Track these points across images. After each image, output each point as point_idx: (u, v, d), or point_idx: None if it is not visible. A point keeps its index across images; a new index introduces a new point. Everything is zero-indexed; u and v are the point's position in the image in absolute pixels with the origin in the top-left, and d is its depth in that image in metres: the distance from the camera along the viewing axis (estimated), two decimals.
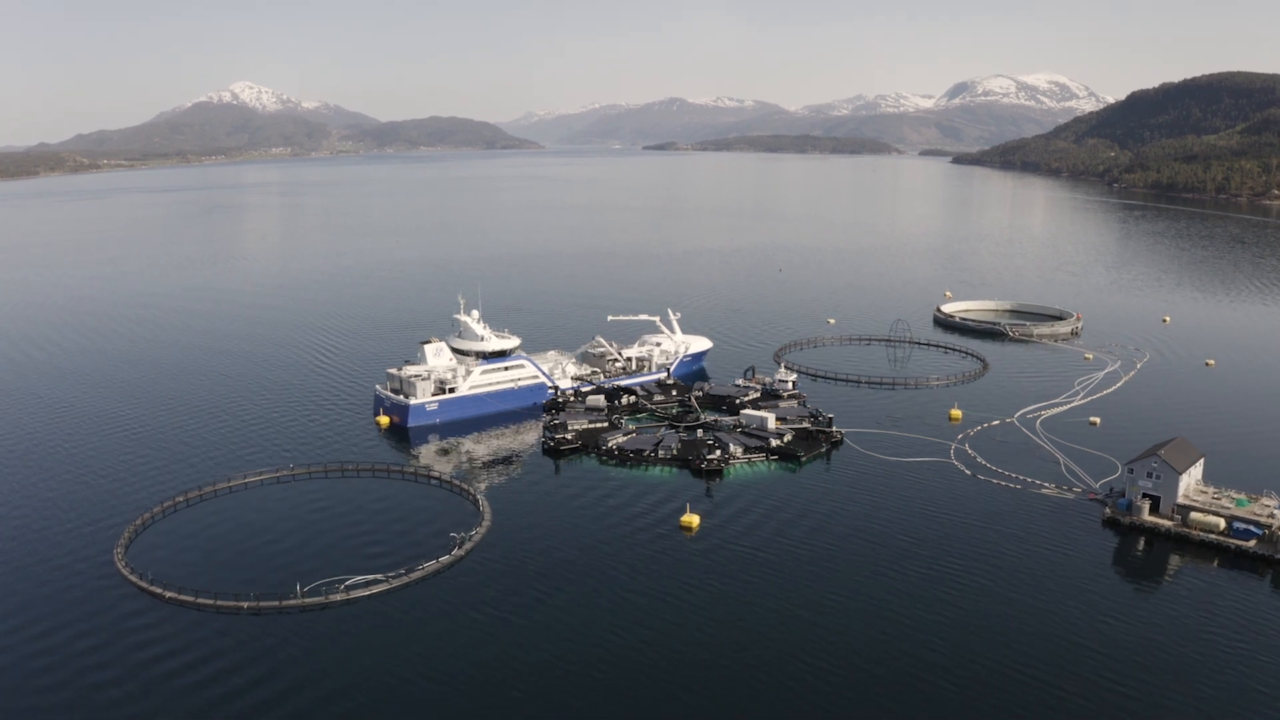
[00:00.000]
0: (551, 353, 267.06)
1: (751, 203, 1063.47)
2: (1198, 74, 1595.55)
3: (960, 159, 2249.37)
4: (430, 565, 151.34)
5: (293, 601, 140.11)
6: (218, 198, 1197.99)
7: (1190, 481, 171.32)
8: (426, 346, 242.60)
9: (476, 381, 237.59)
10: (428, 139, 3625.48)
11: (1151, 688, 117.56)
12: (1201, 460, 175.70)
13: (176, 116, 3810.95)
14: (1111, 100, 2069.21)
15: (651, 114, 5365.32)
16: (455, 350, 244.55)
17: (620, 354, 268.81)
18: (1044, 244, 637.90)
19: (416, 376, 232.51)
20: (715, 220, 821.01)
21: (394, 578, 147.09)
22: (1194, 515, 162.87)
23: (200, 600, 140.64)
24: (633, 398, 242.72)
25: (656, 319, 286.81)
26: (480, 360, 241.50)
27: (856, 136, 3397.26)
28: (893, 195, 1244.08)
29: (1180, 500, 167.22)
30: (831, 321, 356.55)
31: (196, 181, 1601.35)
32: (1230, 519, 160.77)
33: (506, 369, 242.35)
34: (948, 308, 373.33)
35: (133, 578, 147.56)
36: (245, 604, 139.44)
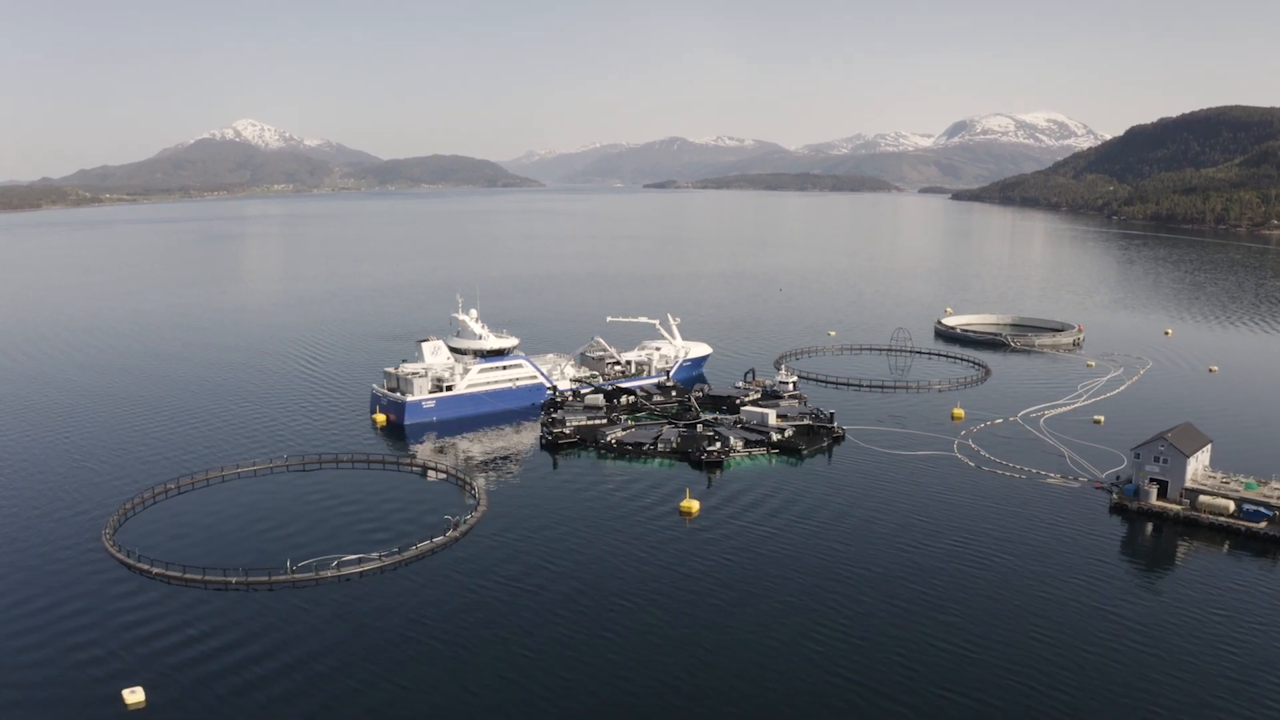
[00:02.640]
0: (550, 355, 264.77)
1: (752, 233, 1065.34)
2: (1195, 109, 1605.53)
3: (960, 195, 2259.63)
4: (424, 545, 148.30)
5: (282, 577, 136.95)
6: (220, 228, 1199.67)
7: (1198, 466, 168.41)
8: (424, 345, 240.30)
9: (474, 380, 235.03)
10: (429, 177, 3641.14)
11: (1165, 669, 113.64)
12: (1209, 446, 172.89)
13: (179, 153, 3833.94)
14: (1109, 138, 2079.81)
15: (652, 153, 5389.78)
16: (453, 350, 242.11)
17: (619, 357, 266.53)
18: (1045, 267, 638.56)
19: (414, 374, 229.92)
20: (717, 248, 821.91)
21: (386, 556, 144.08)
22: (1203, 498, 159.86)
23: (188, 575, 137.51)
24: (632, 398, 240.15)
25: (656, 322, 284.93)
26: (478, 359, 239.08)
27: (856, 175, 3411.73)
28: (893, 227, 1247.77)
29: (1188, 485, 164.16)
30: (832, 334, 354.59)
31: (199, 214, 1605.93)
32: (1240, 501, 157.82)
33: (505, 368, 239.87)
34: (949, 321, 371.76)
35: (119, 555, 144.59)
36: (234, 579, 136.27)
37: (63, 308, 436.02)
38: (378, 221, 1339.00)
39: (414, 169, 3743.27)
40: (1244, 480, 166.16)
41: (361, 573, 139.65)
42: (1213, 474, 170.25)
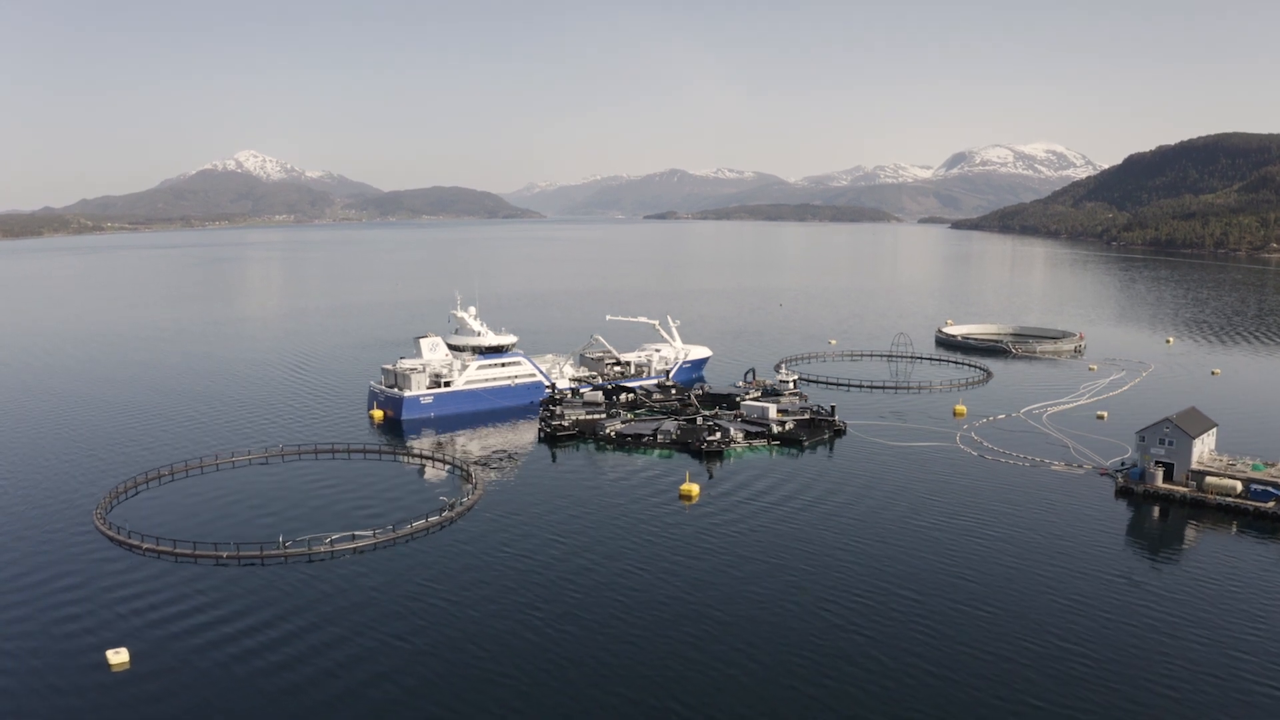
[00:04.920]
0: (549, 355, 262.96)
1: (754, 258, 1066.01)
2: (1194, 136, 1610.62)
3: (959, 225, 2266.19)
4: (419, 524, 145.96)
5: (274, 552, 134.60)
6: (223, 252, 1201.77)
7: (1204, 449, 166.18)
8: (422, 341, 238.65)
9: (473, 377, 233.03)
10: (430, 208, 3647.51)
11: (1174, 650, 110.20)
12: (1215, 429, 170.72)
13: (181, 183, 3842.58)
14: (1107, 167, 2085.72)
15: (652, 185, 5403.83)
16: (452, 347, 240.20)
17: (618, 356, 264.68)
18: (1046, 285, 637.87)
19: (411, 370, 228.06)
20: (718, 269, 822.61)
21: (381, 533, 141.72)
22: (1210, 479, 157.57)
23: (178, 550, 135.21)
24: (631, 395, 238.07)
25: (655, 323, 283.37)
26: (477, 356, 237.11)
27: (856, 206, 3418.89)
28: (894, 252, 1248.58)
29: (1194, 467, 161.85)
30: (833, 342, 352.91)
31: (201, 241, 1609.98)
32: (1247, 482, 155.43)
33: (503, 365, 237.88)
34: (950, 330, 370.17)
35: (109, 532, 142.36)
36: (224, 553, 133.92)
37: (67, 315, 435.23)
38: (379, 247, 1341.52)
39: (415, 200, 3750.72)
40: (1250, 462, 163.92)
41: (355, 548, 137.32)
42: (1219, 456, 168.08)
